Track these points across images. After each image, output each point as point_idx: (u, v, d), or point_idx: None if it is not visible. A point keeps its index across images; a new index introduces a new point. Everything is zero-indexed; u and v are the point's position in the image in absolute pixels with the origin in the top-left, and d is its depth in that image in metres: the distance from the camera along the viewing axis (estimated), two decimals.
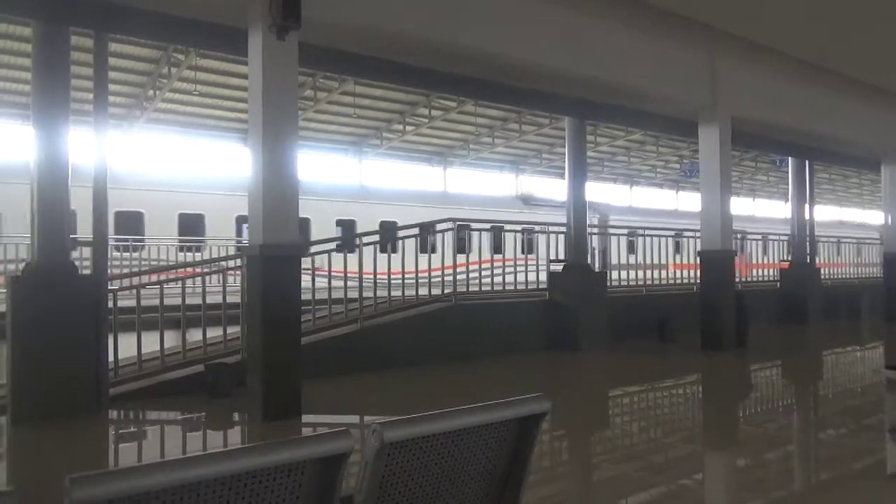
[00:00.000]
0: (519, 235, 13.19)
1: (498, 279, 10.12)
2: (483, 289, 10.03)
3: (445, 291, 8.76)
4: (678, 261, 13.06)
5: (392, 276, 8.60)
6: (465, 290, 9.15)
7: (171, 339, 6.87)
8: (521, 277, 10.23)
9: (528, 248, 12.32)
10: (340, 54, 7.13)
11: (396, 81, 10.16)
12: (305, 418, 5.64)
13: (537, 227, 11.64)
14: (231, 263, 7.53)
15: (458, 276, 8.99)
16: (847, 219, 33.73)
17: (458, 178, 25.33)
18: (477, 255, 10.69)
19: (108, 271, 6.17)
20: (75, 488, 1.02)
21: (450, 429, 1.49)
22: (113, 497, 1.06)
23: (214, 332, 6.95)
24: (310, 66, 8.42)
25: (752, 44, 9.83)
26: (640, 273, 11.57)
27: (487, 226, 11.44)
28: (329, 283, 7.96)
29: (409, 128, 19.93)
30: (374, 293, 8.05)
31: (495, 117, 19.54)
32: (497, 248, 14.25)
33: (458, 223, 9.22)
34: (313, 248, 8.26)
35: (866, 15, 9.04)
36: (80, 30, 6.39)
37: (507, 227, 12.30)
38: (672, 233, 13.53)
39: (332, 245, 8.45)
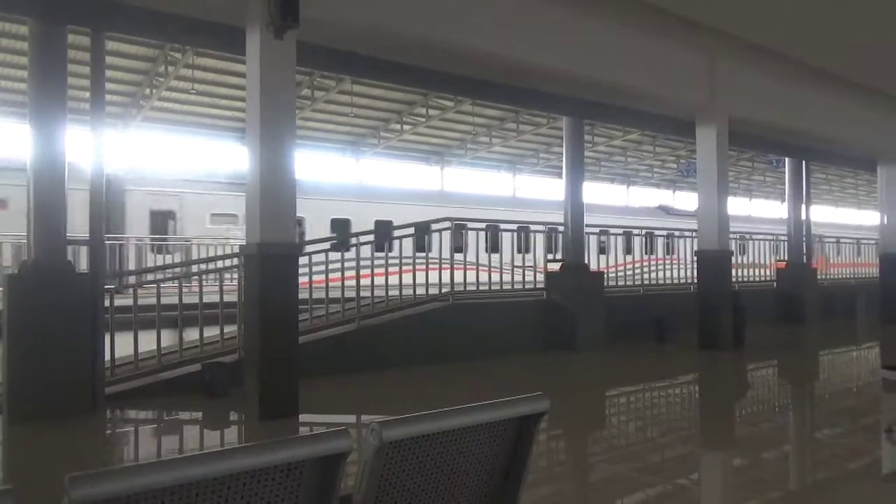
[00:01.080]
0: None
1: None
2: (480, 288, 10.02)
3: (443, 291, 8.75)
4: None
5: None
6: (462, 289, 9.14)
7: (168, 338, 6.86)
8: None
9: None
10: (338, 53, 7.13)
11: (394, 81, 10.16)
12: (302, 418, 5.63)
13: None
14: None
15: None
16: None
17: (552, 187, 27.82)
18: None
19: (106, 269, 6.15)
20: (74, 487, 1.02)
21: (449, 428, 1.49)
22: (111, 496, 1.06)
23: (212, 332, 6.94)
24: (308, 65, 8.40)
25: (749, 44, 9.85)
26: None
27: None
28: (326, 282, 7.94)
29: (406, 127, 19.91)
30: (372, 293, 8.04)
31: (493, 117, 19.54)
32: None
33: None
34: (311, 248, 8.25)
35: (864, 17, 9.06)
36: (78, 28, 6.37)
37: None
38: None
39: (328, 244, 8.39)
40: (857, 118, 12.50)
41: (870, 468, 4.75)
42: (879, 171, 14.98)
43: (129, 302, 6.49)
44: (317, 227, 16.71)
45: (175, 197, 15.68)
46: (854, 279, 16.90)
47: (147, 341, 6.46)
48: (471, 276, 9.22)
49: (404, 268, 9.05)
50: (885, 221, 14.83)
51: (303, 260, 7.10)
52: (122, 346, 6.28)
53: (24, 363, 5.43)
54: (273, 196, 5.64)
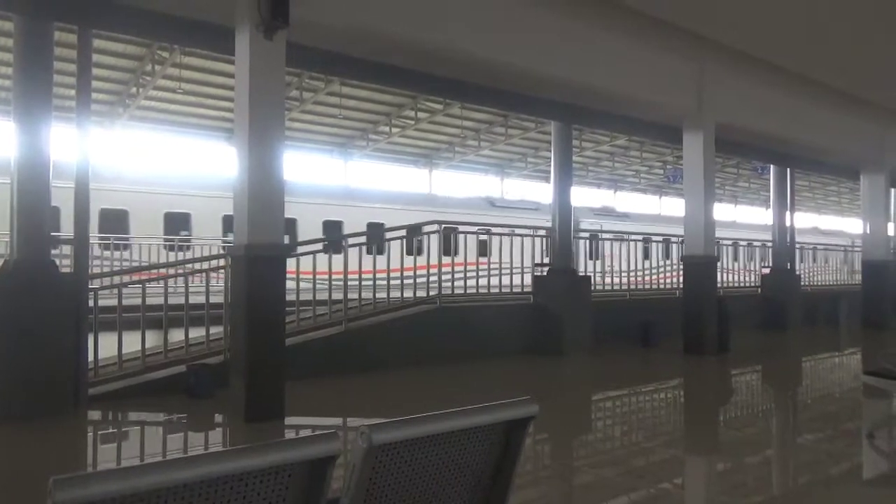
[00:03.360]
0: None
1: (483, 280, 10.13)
2: (468, 291, 10.02)
3: (430, 294, 8.75)
4: None
5: None
6: (450, 292, 9.14)
7: (154, 339, 6.80)
8: None
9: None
10: (328, 55, 7.10)
11: (383, 82, 10.15)
12: (288, 420, 5.60)
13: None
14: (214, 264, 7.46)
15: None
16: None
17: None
18: None
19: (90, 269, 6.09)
20: (59, 489, 1.00)
21: (438, 431, 1.48)
22: (97, 499, 1.05)
23: (197, 333, 6.89)
24: (297, 66, 8.39)
25: (737, 52, 9.96)
26: None
27: None
28: (314, 283, 7.91)
29: (395, 130, 19.91)
30: (360, 295, 8.02)
31: (481, 120, 19.59)
32: None
33: None
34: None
35: (849, 27, 9.18)
36: (64, 25, 6.31)
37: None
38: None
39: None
40: (842, 127, 12.67)
41: (852, 473, 4.80)
42: (862, 180, 15.18)
43: (113, 302, 6.43)
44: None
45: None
46: (837, 285, 17.10)
47: (131, 342, 6.40)
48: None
49: None
50: (868, 229, 15.02)
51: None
52: (106, 346, 6.22)
53: (5, 363, 5.35)
54: (261, 197, 5.61)
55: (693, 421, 6.63)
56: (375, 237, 12.64)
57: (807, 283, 15.71)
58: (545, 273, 10.08)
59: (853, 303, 14.86)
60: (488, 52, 7.50)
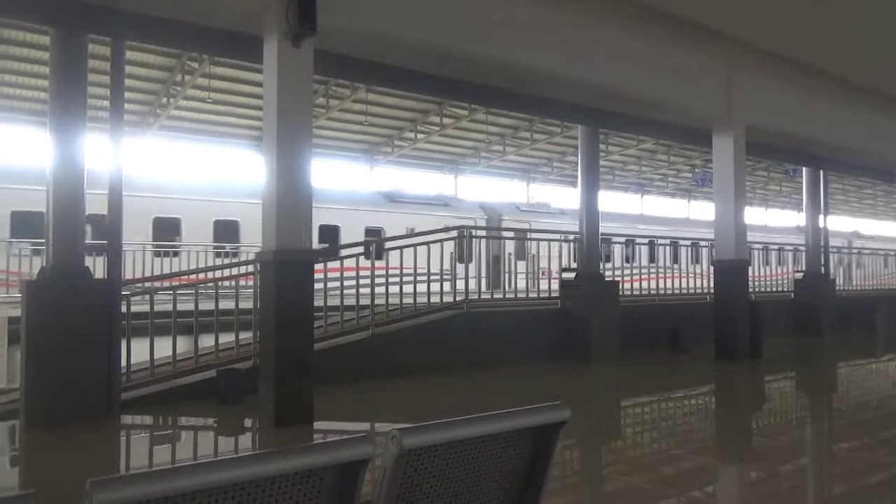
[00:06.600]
0: None
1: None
2: (495, 296, 10.01)
3: (457, 299, 8.74)
4: None
5: None
6: (476, 298, 9.13)
7: (184, 344, 6.89)
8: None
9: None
10: (355, 61, 7.15)
11: (410, 89, 10.19)
12: (317, 425, 5.63)
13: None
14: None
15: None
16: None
17: None
18: None
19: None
20: (96, 491, 1.02)
21: (469, 436, 1.48)
22: (133, 501, 1.06)
23: (227, 338, 6.97)
24: (324, 73, 8.45)
25: (767, 53, 9.79)
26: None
27: None
28: (341, 289, 7.97)
29: (420, 136, 19.99)
30: (387, 300, 8.04)
31: (507, 126, 19.57)
32: None
33: None
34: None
35: (882, 24, 8.98)
36: (98, 37, 6.45)
37: None
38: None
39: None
40: (876, 127, 12.37)
41: (889, 483, 4.66)
42: None
43: (145, 308, 6.54)
44: None
45: None
46: (873, 290, 16.69)
47: (162, 348, 6.50)
48: None
49: None
50: None
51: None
52: (137, 352, 6.32)
53: (41, 369, 5.47)
54: (290, 204, 5.66)
55: (725, 429, 6.50)
56: None
57: (842, 288, 15.37)
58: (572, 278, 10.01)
59: (890, 307, 14.49)
60: (515, 56, 7.48)
